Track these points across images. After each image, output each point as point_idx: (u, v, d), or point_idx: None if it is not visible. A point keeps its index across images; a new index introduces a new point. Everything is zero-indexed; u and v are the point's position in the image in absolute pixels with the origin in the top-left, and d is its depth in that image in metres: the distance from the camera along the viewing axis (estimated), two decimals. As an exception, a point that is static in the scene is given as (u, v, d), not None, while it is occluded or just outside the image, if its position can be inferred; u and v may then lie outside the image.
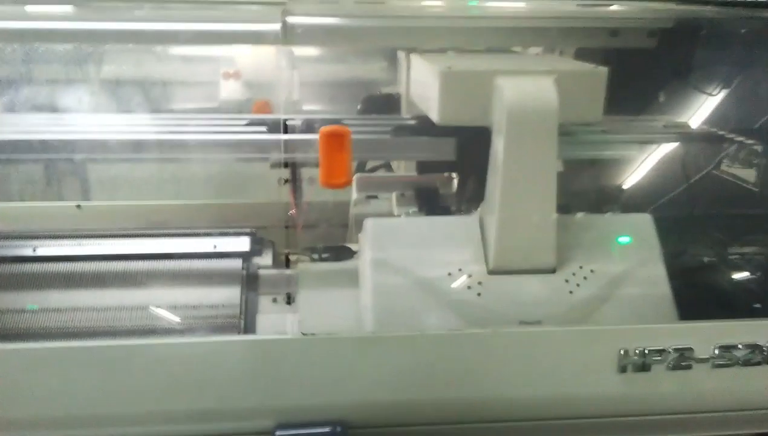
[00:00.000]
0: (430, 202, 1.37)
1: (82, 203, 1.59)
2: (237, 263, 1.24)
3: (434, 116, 1.12)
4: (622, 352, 1.02)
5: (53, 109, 1.67)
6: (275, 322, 1.19)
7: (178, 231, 1.31)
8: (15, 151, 1.25)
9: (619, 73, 1.57)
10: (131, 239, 1.32)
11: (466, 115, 1.13)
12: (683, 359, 1.03)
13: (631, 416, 1.06)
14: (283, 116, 1.14)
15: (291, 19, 1.13)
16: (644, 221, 1.20)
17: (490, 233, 1.10)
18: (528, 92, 1.07)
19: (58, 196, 1.97)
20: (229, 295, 1.19)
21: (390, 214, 1.39)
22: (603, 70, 1.15)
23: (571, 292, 1.10)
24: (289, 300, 1.21)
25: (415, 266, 1.10)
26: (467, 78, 1.12)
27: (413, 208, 1.35)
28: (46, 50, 1.78)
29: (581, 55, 1.52)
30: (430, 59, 1.20)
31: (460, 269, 1.10)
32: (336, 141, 1.04)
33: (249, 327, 1.16)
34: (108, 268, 1.27)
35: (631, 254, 1.16)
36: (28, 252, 1.30)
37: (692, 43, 1.47)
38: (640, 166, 1.54)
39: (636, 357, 1.02)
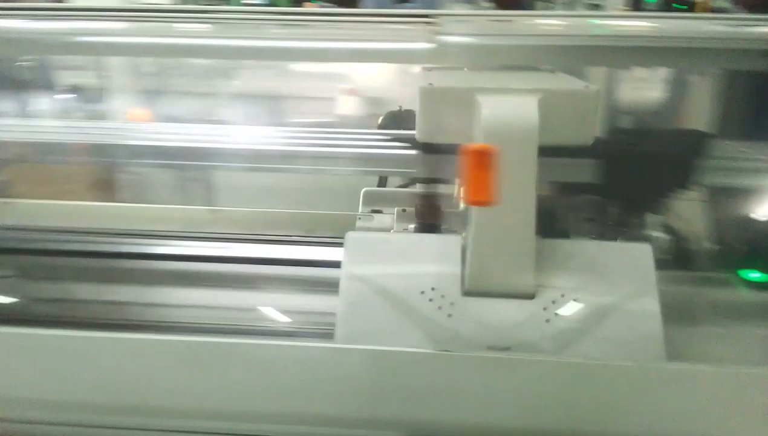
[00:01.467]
0: (429, 220, 1.31)
1: (212, 208, 1.68)
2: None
3: (416, 133, 1.12)
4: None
5: (188, 119, 1.79)
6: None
7: (295, 238, 1.35)
8: (151, 157, 1.35)
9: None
10: (251, 243, 1.38)
11: (446, 133, 1.11)
12: None
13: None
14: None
15: (442, 38, 1.14)
16: (642, 252, 1.10)
17: (467, 253, 1.07)
18: (506, 111, 1.05)
19: (186, 201, 2.10)
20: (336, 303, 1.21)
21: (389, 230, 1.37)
22: (594, 90, 1.10)
23: (548, 320, 1.04)
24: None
25: (388, 282, 1.09)
26: (447, 95, 1.10)
27: (412, 225, 1.31)
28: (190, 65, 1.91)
29: (732, 76, 1.43)
30: (431, 75, 1.19)
31: (433, 289, 1.07)
32: (481, 158, 1.03)
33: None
34: (229, 270, 1.33)
35: (622, 286, 1.07)
36: (157, 251, 1.39)
37: None
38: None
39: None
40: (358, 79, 2.27)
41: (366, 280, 1.09)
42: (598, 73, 2.32)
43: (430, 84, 1.10)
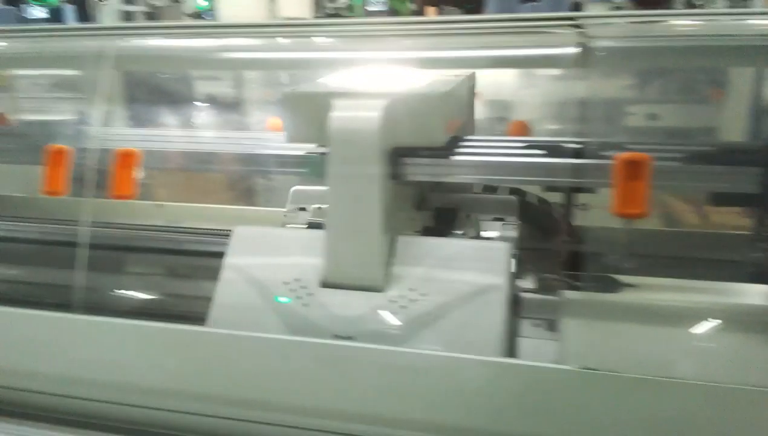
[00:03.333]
0: None
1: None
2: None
3: (285, 136, 1.19)
4: None
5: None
6: (536, 347, 1.16)
7: None
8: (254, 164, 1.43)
9: None
10: None
11: (308, 136, 1.17)
12: None
13: None
14: (570, 139, 1.11)
15: (591, 43, 1.10)
16: (498, 250, 1.13)
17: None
18: (352, 114, 1.10)
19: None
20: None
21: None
22: (438, 93, 1.14)
23: (392, 313, 1.09)
24: (551, 327, 1.17)
25: (258, 272, 1.16)
26: (306, 99, 1.17)
27: (306, 221, 1.37)
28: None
29: None
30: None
31: (297, 280, 1.14)
32: (634, 168, 0.98)
33: (510, 349, 1.14)
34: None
35: (470, 284, 1.09)
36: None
37: None
38: None
39: None
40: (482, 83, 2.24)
41: (241, 270, 1.17)
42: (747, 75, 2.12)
43: (292, 89, 1.18)
